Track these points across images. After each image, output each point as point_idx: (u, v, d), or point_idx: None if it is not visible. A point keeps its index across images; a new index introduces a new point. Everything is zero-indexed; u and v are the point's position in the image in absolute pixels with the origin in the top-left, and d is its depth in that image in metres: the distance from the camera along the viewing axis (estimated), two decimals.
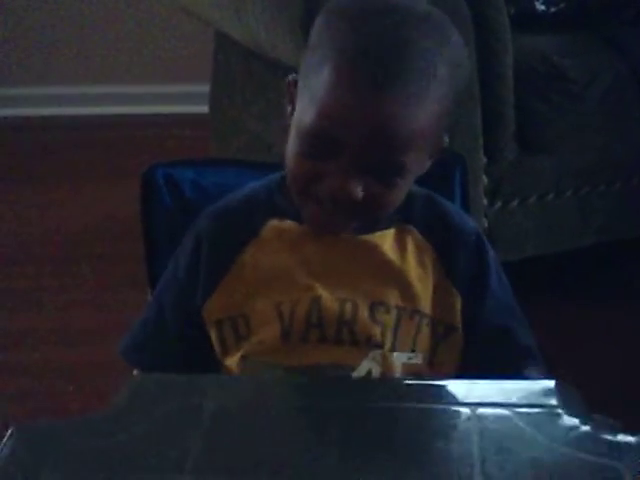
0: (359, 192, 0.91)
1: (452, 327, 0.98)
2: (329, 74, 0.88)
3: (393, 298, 0.96)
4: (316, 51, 0.92)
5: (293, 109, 0.95)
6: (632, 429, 1.48)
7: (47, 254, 2.32)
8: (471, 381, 0.86)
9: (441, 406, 0.79)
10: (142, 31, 3.15)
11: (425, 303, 0.97)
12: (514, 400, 0.78)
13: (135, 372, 1.04)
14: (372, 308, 0.95)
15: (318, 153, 0.91)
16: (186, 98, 3.04)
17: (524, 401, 0.78)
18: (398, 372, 0.94)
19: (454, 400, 0.80)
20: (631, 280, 2.09)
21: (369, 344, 0.94)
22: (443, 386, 0.86)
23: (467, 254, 0.99)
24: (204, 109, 2.34)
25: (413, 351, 0.95)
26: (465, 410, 0.77)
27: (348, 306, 0.95)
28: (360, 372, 0.93)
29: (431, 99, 0.89)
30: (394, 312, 0.95)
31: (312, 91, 0.90)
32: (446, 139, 0.98)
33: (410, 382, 0.87)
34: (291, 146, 0.94)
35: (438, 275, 0.98)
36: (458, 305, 0.98)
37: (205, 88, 2.33)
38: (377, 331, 0.94)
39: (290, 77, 0.98)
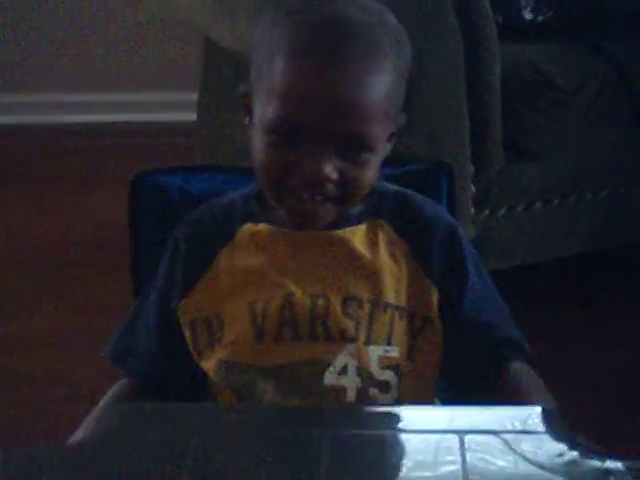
0: (332, 172, 0.92)
1: (429, 319, 0.98)
2: (280, 64, 0.92)
3: (365, 292, 0.97)
4: (262, 50, 0.95)
5: (251, 120, 0.98)
6: (628, 433, 1.48)
7: (41, 260, 2.32)
8: (458, 407, 0.86)
9: (428, 433, 0.79)
10: (132, 40, 3.16)
11: (399, 296, 0.98)
12: (501, 426, 0.78)
13: (115, 386, 1.03)
14: (345, 303, 0.96)
15: (285, 144, 0.93)
16: (175, 106, 3.04)
17: (511, 427, 0.78)
18: (375, 366, 0.95)
19: (441, 427, 0.80)
20: (624, 284, 2.10)
21: (343, 339, 0.95)
22: (429, 412, 0.86)
23: (440, 247, 1.00)
24: (193, 117, 2.35)
25: (389, 344, 0.96)
26: (452, 437, 0.76)
27: (320, 302, 0.96)
28: (336, 367, 0.94)
29: (380, 70, 0.92)
30: (367, 306, 0.96)
31: (268, 86, 0.93)
32: (403, 118, 1.00)
33: (397, 409, 0.86)
34: (258, 145, 0.96)
35: (412, 268, 0.99)
36: (434, 297, 0.98)
37: (194, 96, 2.33)
38: (350, 325, 0.95)
39: (241, 89, 1.00)
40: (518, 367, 0.99)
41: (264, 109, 0.94)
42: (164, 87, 3.15)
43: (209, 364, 0.98)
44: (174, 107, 3.05)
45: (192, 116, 2.36)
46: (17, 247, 2.39)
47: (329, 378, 0.93)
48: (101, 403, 0.99)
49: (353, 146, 0.93)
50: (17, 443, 1.58)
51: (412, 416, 0.83)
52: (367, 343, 0.95)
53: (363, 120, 0.92)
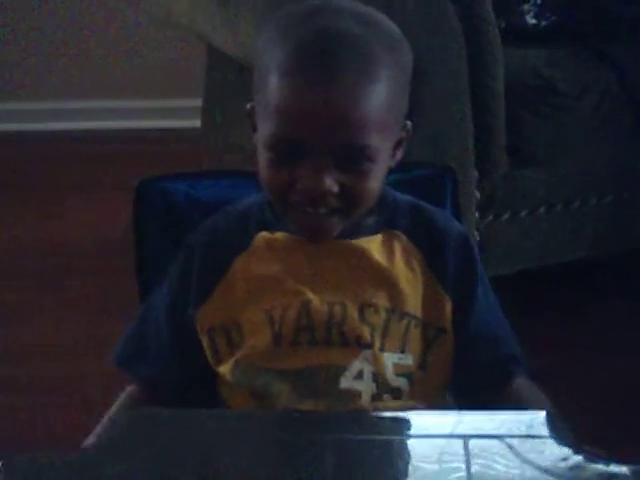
0: (332, 185, 0.93)
1: (442, 329, 0.99)
2: (274, 82, 0.92)
3: (382, 300, 0.97)
4: (259, 68, 0.96)
5: (256, 135, 0.99)
6: (631, 440, 1.47)
7: (38, 268, 2.32)
8: (463, 412, 0.87)
9: (433, 438, 0.79)
10: (136, 46, 3.16)
11: (414, 305, 0.98)
12: (505, 431, 0.78)
13: (128, 388, 1.04)
14: (361, 310, 0.97)
15: (286, 159, 0.94)
16: (178, 113, 3.05)
17: (515, 432, 0.78)
18: (390, 372, 0.95)
19: (446, 432, 0.80)
20: (629, 289, 2.10)
21: (359, 344, 0.95)
22: (435, 417, 0.87)
23: (455, 258, 1.01)
24: (197, 123, 2.35)
25: (403, 352, 0.96)
26: (457, 442, 0.77)
27: (337, 308, 0.96)
28: (352, 372, 0.94)
29: (375, 80, 0.92)
30: (383, 313, 0.97)
31: (264, 104, 0.94)
32: (409, 124, 1.00)
33: (402, 414, 0.87)
34: (262, 162, 0.96)
35: (427, 278, 1.00)
36: (448, 308, 0.99)
37: (198, 103, 2.34)
38: (366, 331, 0.96)
39: (248, 105, 1.01)
40: (522, 383, 1.00)
41: (263, 126, 0.95)
42: (167, 94, 3.16)
43: (226, 367, 0.98)
44: (177, 114, 3.06)
45: (196, 122, 2.36)
46: (19, 254, 2.39)
47: (345, 382, 0.94)
48: (113, 408, 1.00)
49: (352, 158, 0.93)
50: (18, 449, 1.58)
51: (417, 421, 0.84)
52: (382, 350, 0.96)
53: (361, 131, 0.92)
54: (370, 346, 0.95)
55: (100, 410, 0.99)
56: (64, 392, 1.83)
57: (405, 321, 0.97)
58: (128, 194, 1.14)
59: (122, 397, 1.02)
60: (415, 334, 0.98)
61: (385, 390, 0.95)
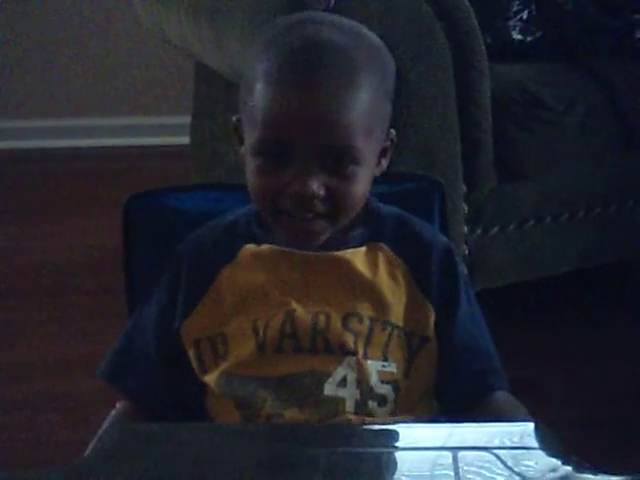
0: (319, 188, 0.94)
1: (426, 338, 1.00)
2: (261, 89, 0.95)
3: (366, 310, 0.99)
4: (245, 80, 0.98)
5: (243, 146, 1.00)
6: (617, 446, 1.47)
7: (32, 286, 2.32)
8: (451, 424, 0.87)
9: (422, 450, 0.79)
10: (128, 65, 3.17)
11: (397, 315, 1.00)
12: (494, 443, 0.78)
13: (117, 405, 1.04)
14: (345, 318, 0.98)
15: (273, 164, 0.95)
16: (169, 129, 3.06)
17: (504, 443, 0.79)
18: (374, 379, 0.96)
19: (435, 444, 0.80)
20: (613, 301, 2.10)
21: (343, 352, 0.96)
22: (425, 430, 0.87)
23: (438, 269, 1.02)
24: (187, 140, 2.36)
25: (385, 360, 0.98)
26: (446, 454, 0.76)
27: (321, 317, 0.98)
28: (336, 379, 0.95)
29: (357, 85, 0.94)
30: (367, 322, 0.98)
31: (252, 111, 0.96)
32: (393, 133, 1.03)
33: (391, 426, 0.87)
34: (250, 170, 0.98)
35: (410, 288, 1.01)
36: (431, 317, 1.00)
37: (187, 120, 2.34)
38: (350, 339, 0.97)
39: (234, 118, 1.03)
40: (502, 395, 1.01)
41: (250, 135, 0.97)
42: (158, 112, 3.17)
43: (211, 377, 0.99)
44: (168, 131, 3.07)
45: (186, 139, 2.37)
46: (13, 273, 2.39)
47: (329, 389, 0.95)
48: (104, 425, 1.00)
49: (338, 160, 0.95)
50: (13, 467, 1.57)
51: (407, 433, 0.84)
52: (365, 357, 0.97)
53: (344, 133, 0.94)
54: (354, 353, 0.96)
55: (95, 427, 0.99)
56: (59, 410, 1.82)
57: (388, 330, 0.99)
58: (119, 211, 1.14)
59: (112, 413, 1.03)
60: (398, 343, 0.99)
61: (369, 397, 0.96)
